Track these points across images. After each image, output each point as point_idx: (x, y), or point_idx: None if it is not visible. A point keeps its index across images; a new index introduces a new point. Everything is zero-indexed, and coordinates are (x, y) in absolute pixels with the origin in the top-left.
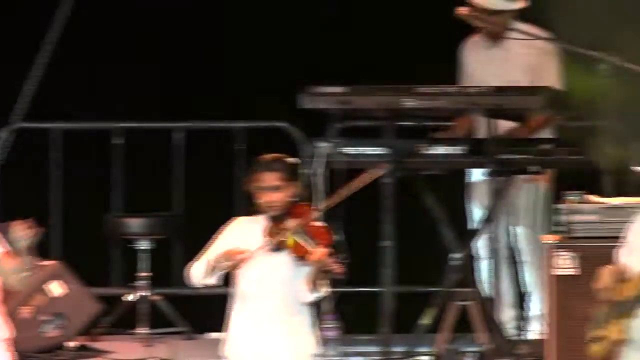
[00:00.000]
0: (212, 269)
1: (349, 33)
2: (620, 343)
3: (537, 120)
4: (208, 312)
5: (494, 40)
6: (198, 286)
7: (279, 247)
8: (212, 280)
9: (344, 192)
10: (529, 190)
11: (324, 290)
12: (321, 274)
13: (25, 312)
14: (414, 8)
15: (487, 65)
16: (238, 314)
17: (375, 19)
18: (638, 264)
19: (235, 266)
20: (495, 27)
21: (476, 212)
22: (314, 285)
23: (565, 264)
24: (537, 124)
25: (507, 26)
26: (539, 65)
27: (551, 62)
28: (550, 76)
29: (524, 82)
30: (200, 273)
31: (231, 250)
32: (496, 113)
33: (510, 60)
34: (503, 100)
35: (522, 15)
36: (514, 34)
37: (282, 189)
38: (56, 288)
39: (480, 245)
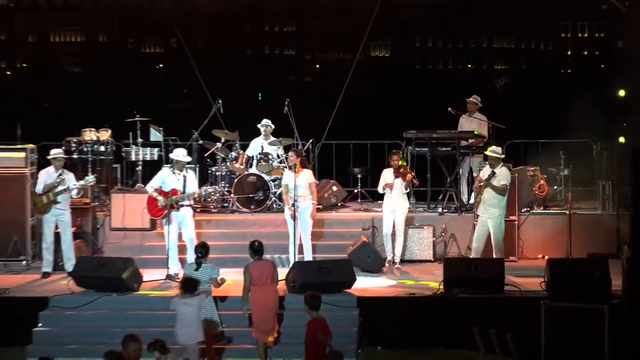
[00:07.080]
0: (384, 188)
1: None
2: None
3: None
4: None
5: (470, 114)
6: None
7: (398, 176)
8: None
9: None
10: None
11: (410, 188)
12: (409, 183)
13: None
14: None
15: (467, 123)
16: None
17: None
18: None
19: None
20: (471, 108)
21: None
22: (407, 187)
23: None
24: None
25: (475, 110)
26: (480, 127)
27: (485, 127)
28: (484, 131)
29: (477, 129)
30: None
31: (387, 183)
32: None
33: (475, 122)
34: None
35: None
36: (475, 115)
37: (400, 160)
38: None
39: None
